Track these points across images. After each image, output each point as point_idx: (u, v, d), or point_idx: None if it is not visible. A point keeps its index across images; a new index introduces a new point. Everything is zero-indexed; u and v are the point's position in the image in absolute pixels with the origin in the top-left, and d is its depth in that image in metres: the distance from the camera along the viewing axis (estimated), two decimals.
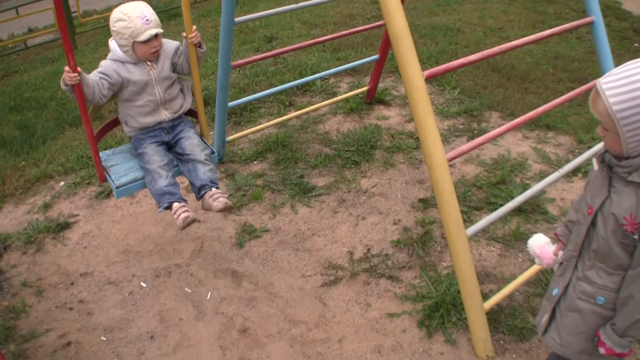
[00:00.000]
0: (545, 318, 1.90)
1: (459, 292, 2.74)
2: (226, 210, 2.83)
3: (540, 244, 2.03)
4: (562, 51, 6.17)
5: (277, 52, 3.94)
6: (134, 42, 2.64)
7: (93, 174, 4.20)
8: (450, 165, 3.95)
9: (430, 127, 2.22)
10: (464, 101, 4.96)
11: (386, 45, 4.51)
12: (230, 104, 3.88)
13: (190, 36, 2.76)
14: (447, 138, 4.37)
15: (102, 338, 2.85)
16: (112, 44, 2.76)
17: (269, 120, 4.69)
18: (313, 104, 4.84)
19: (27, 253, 3.48)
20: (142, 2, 2.71)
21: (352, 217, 3.60)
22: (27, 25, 10.46)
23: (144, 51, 2.69)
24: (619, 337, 1.65)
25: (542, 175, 3.80)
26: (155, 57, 2.79)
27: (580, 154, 3.92)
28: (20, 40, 9.82)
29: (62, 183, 4.18)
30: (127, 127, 2.94)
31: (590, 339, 1.76)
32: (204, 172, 2.86)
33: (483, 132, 4.37)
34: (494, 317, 2.73)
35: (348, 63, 5.19)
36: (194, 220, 2.75)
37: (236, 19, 3.27)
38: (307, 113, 4.70)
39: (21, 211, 3.91)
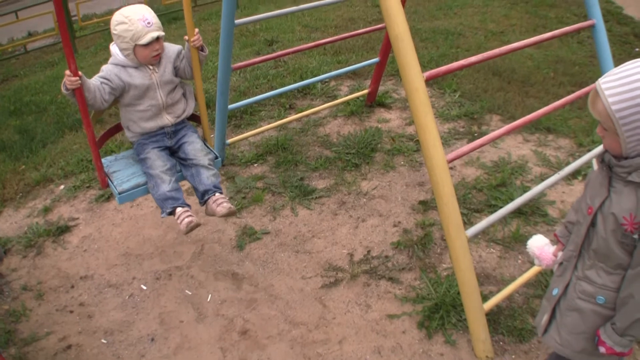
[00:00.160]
0: (545, 318, 1.90)
1: (458, 293, 2.74)
2: (230, 215, 2.79)
3: (540, 245, 2.03)
4: (563, 55, 6.19)
5: (278, 54, 3.95)
6: (136, 45, 2.61)
7: (93, 177, 4.20)
8: (451, 168, 3.96)
9: (430, 128, 2.22)
10: (465, 104, 4.97)
11: (387, 48, 4.52)
12: (231, 106, 3.89)
13: (192, 39, 2.71)
14: (447, 141, 4.38)
15: (103, 341, 2.85)
16: (114, 48, 2.74)
17: (269, 123, 4.69)
18: (313, 107, 4.84)
19: (27, 257, 3.48)
20: (143, 5, 2.70)
21: (352, 219, 3.60)
22: (27, 29, 10.50)
23: (146, 54, 2.66)
24: (619, 336, 1.65)
25: (542, 178, 3.80)
26: (157, 60, 2.75)
27: (580, 156, 3.93)
28: (20, 44, 9.85)
29: (62, 187, 4.19)
30: (129, 133, 2.91)
31: (590, 339, 1.76)
32: (208, 177, 2.83)
33: (483, 135, 4.37)
34: (493, 318, 2.73)
35: (349, 66, 5.20)
36: (197, 225, 2.72)
37: (236, 21, 3.28)
38: (307, 116, 4.70)
39: (21, 215, 3.92)
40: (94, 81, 2.61)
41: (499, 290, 2.77)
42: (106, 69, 2.71)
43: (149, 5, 2.73)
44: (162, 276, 3.25)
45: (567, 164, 3.95)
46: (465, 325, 2.70)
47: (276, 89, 5.03)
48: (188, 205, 2.78)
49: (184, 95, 2.97)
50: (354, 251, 3.32)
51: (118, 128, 3.06)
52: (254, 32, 7.51)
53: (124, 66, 2.71)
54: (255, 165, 4.28)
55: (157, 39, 2.65)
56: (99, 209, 3.88)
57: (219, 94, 3.69)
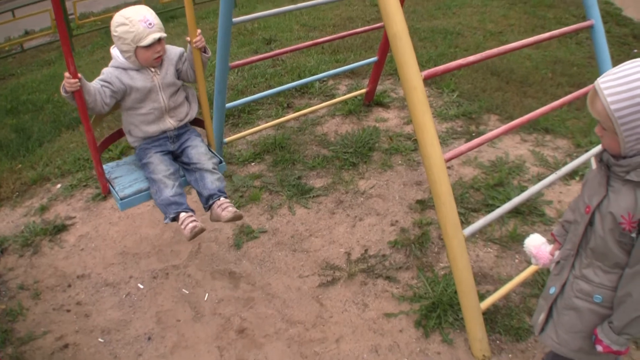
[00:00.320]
0: (542, 317, 1.90)
1: (455, 292, 2.74)
2: (235, 220, 2.72)
3: (537, 244, 2.03)
4: (562, 56, 6.19)
5: (276, 53, 3.93)
6: (137, 47, 2.54)
7: (90, 176, 4.19)
8: (448, 167, 3.96)
9: (428, 127, 2.22)
10: (463, 104, 4.97)
11: (385, 47, 4.52)
12: (228, 105, 3.88)
13: (194, 40, 2.66)
14: (445, 140, 4.38)
15: (100, 340, 2.84)
16: (114, 51, 2.67)
17: (267, 122, 4.69)
18: (311, 106, 4.84)
19: (24, 256, 3.47)
20: (144, 5, 2.67)
21: (349, 218, 3.60)
22: (24, 28, 10.47)
23: (147, 56, 2.59)
24: (616, 335, 1.65)
25: (540, 178, 3.81)
26: (158, 62, 2.68)
27: (577, 157, 3.93)
28: (17, 43, 9.84)
29: (58, 185, 4.17)
30: (130, 137, 2.84)
31: (587, 337, 1.76)
32: (212, 182, 2.76)
33: (481, 134, 4.37)
34: (490, 317, 2.73)
35: (347, 65, 5.20)
36: (202, 230, 2.63)
37: (234, 20, 3.26)
38: (305, 115, 4.70)
39: (18, 214, 3.90)
40: (95, 84, 2.54)
41: (496, 290, 2.77)
42: (107, 71, 2.65)
43: (146, 4, 2.70)
44: (159, 275, 3.24)
45: (565, 164, 3.95)
46: (462, 324, 2.70)
47: (274, 87, 5.03)
48: (192, 210, 2.71)
49: (186, 98, 2.92)
50: (352, 250, 3.32)
51: (120, 134, 2.99)
52: (251, 30, 7.50)
53: (125, 69, 2.65)
54: (253, 164, 4.27)
55: (159, 40, 2.58)
56: (96, 207, 3.88)
57: (217, 93, 3.69)
